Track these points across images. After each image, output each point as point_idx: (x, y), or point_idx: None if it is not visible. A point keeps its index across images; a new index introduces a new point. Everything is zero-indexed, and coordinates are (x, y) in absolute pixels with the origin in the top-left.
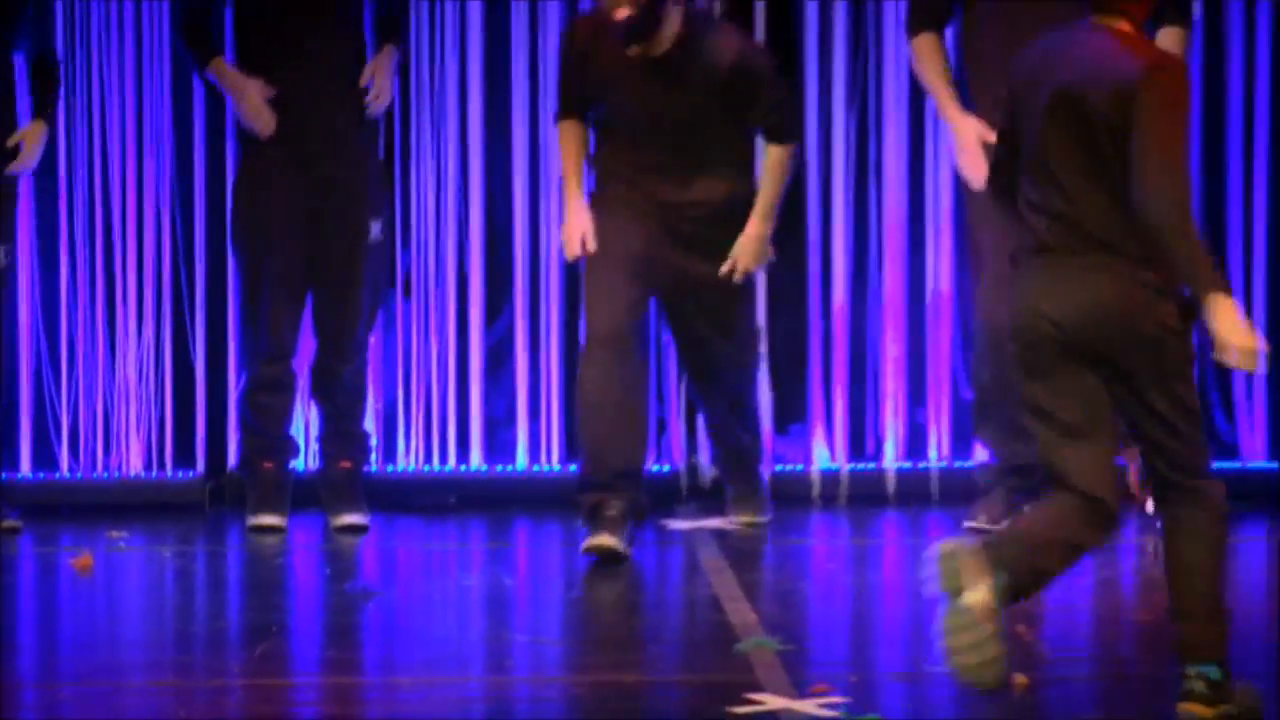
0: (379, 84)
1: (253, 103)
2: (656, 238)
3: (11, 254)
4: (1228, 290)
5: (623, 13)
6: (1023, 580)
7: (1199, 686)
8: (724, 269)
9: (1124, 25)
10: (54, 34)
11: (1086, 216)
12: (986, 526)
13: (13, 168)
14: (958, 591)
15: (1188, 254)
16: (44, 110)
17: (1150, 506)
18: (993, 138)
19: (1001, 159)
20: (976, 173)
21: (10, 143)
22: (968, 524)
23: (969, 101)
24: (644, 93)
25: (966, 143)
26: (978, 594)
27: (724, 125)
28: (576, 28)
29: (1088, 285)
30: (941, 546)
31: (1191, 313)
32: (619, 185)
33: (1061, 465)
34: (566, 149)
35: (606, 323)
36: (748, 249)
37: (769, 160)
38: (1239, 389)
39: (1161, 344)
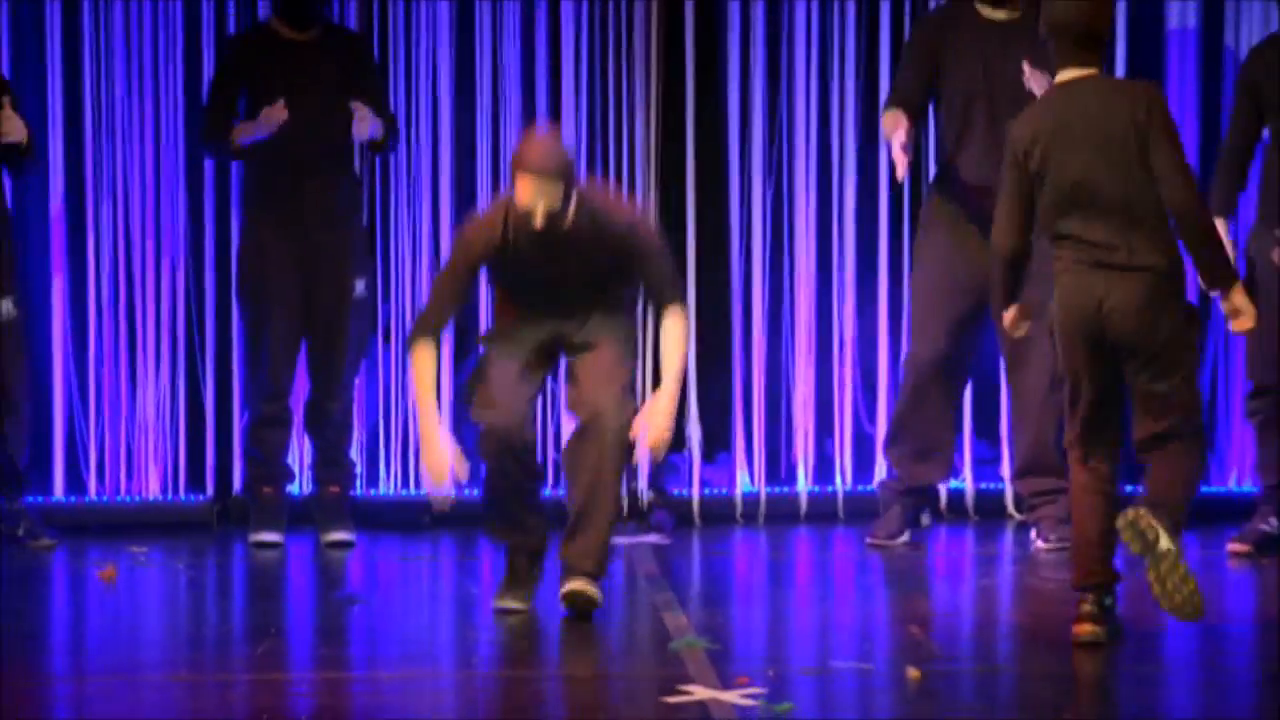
0: (365, 121)
1: (267, 116)
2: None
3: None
4: (1237, 274)
5: (541, 214)
6: (1179, 518)
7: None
8: (640, 450)
9: (1096, 71)
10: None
11: (1132, 238)
12: (884, 543)
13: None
14: (1150, 547)
15: (1216, 243)
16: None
17: (1034, 535)
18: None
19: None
20: (900, 166)
21: None
22: (869, 540)
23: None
24: (544, 260)
25: (897, 151)
26: (1165, 540)
27: (615, 287)
28: (480, 232)
29: (1135, 292)
30: (1120, 519)
31: (1195, 315)
32: (515, 321)
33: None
34: (421, 371)
35: (503, 420)
36: (659, 421)
37: (670, 331)
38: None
39: (1177, 333)
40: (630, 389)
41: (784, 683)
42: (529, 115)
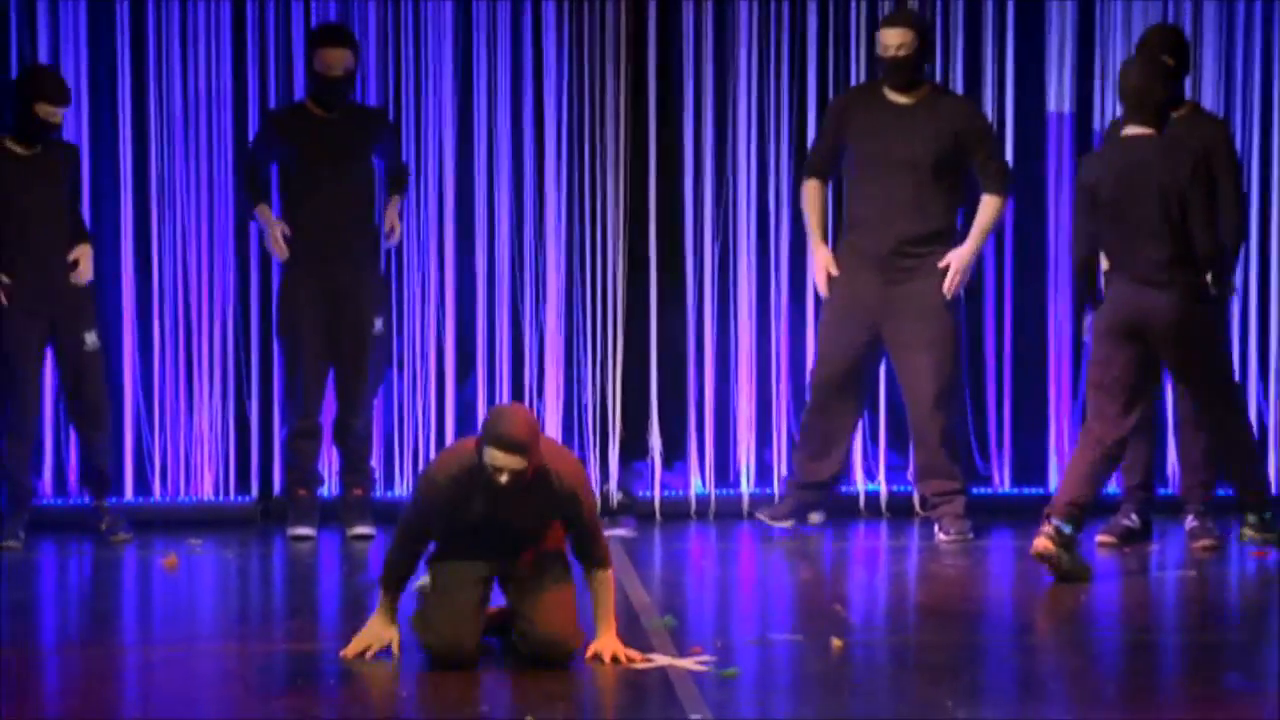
0: (393, 226)
1: (275, 238)
2: None
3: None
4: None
5: (507, 478)
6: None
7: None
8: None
9: (1153, 130)
10: None
11: (1175, 261)
12: (770, 520)
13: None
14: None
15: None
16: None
17: (937, 530)
18: (834, 271)
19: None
20: (821, 286)
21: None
22: (759, 515)
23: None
24: (494, 508)
25: (818, 268)
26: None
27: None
28: (449, 476)
29: (1177, 303)
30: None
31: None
32: (459, 552)
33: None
34: (387, 610)
35: (448, 647)
36: (611, 648)
37: (600, 590)
38: (991, 431)
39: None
40: (575, 610)
41: (730, 651)
42: (518, 176)
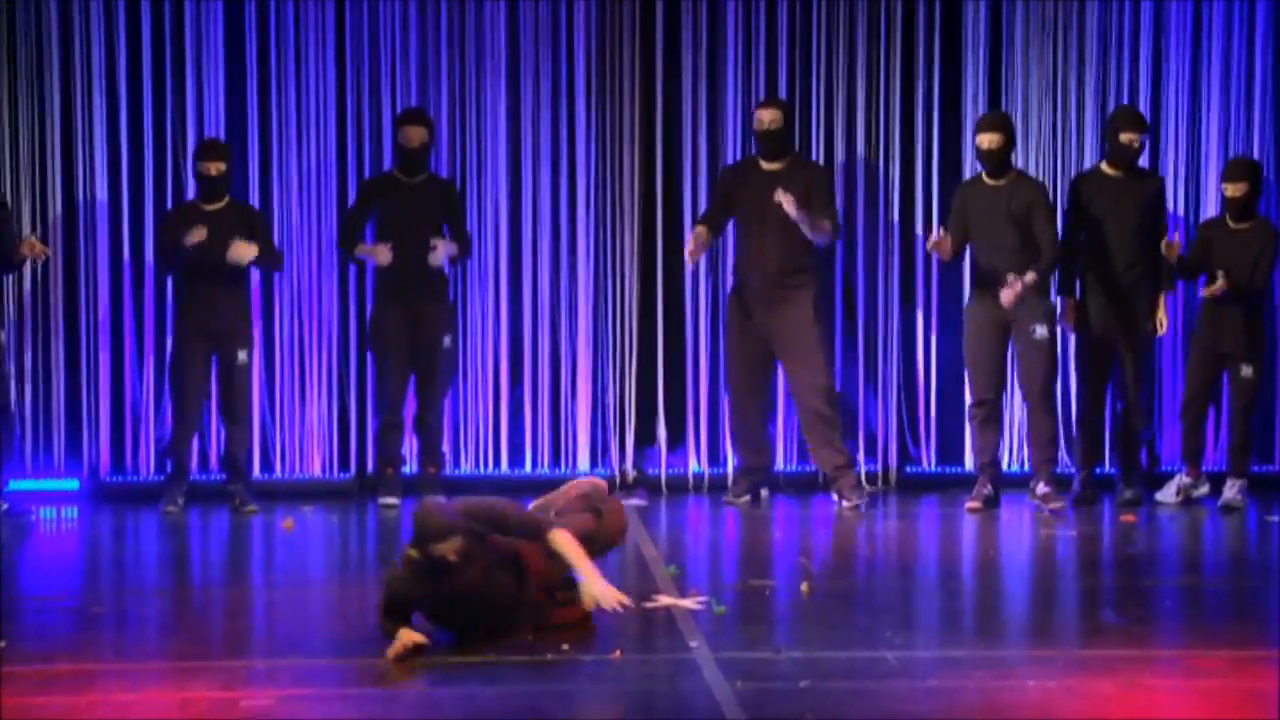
0: (439, 251)
1: (378, 252)
2: None
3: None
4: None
5: (452, 556)
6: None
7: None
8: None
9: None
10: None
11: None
12: (732, 500)
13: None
14: None
15: None
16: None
17: (837, 498)
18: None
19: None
20: (689, 256)
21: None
22: (726, 499)
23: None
24: (441, 594)
25: (690, 241)
26: None
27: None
28: (400, 581)
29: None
30: None
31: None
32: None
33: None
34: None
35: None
36: (600, 590)
37: (564, 548)
38: (920, 416)
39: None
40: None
41: (720, 593)
42: (555, 229)
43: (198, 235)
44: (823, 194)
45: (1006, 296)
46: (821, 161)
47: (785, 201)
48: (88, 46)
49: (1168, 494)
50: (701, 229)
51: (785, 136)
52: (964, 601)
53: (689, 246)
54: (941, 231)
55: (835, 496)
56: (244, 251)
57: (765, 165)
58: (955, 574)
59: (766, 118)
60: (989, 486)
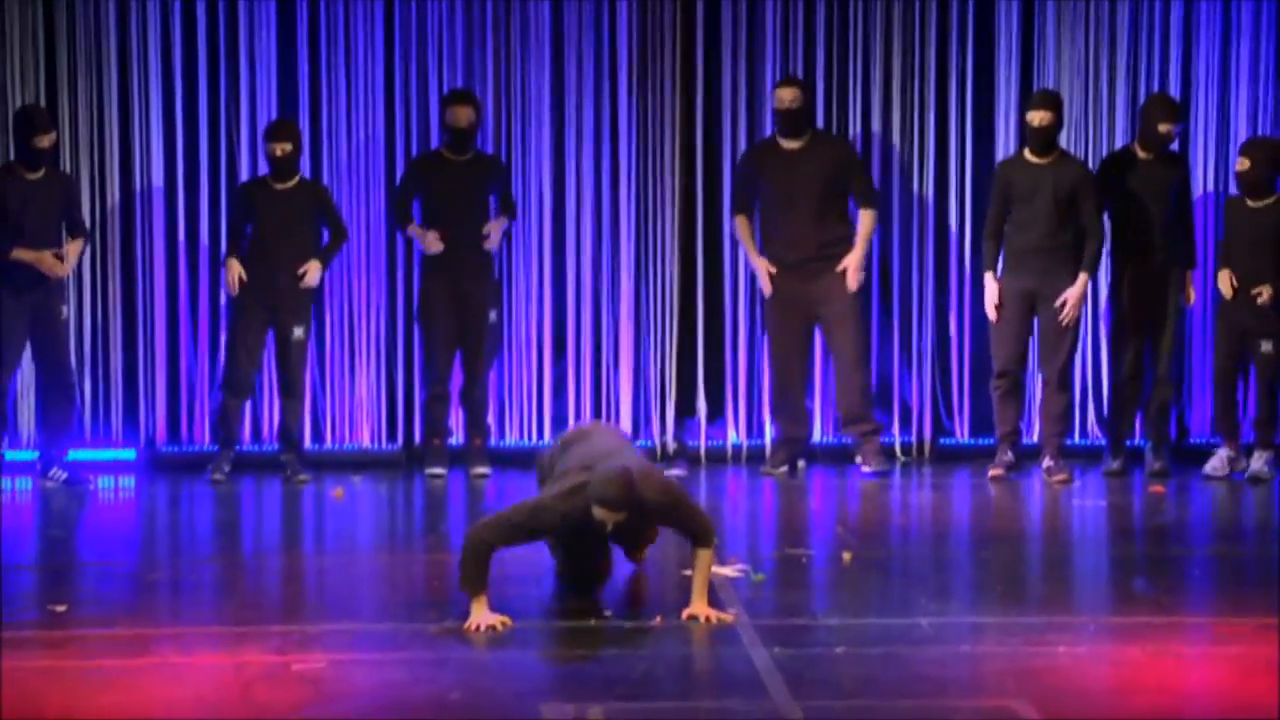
0: (491, 232)
1: (427, 240)
2: None
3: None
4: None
5: (611, 525)
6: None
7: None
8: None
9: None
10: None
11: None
12: (770, 470)
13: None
14: None
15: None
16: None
17: (860, 462)
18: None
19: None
20: (765, 288)
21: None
22: (764, 469)
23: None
24: (595, 537)
25: (761, 275)
26: None
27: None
28: (561, 515)
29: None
30: None
31: None
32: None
33: None
34: (478, 578)
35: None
36: (703, 608)
37: (700, 562)
38: (953, 388)
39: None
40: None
41: (759, 562)
42: (598, 204)
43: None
44: (857, 172)
45: (1069, 316)
46: (858, 140)
47: (852, 279)
48: (144, 33)
49: (1215, 467)
50: (743, 221)
51: (805, 114)
52: (996, 569)
53: (760, 277)
54: (990, 286)
55: (859, 460)
56: (314, 277)
57: (785, 144)
58: (988, 542)
59: (787, 96)
60: (1010, 454)
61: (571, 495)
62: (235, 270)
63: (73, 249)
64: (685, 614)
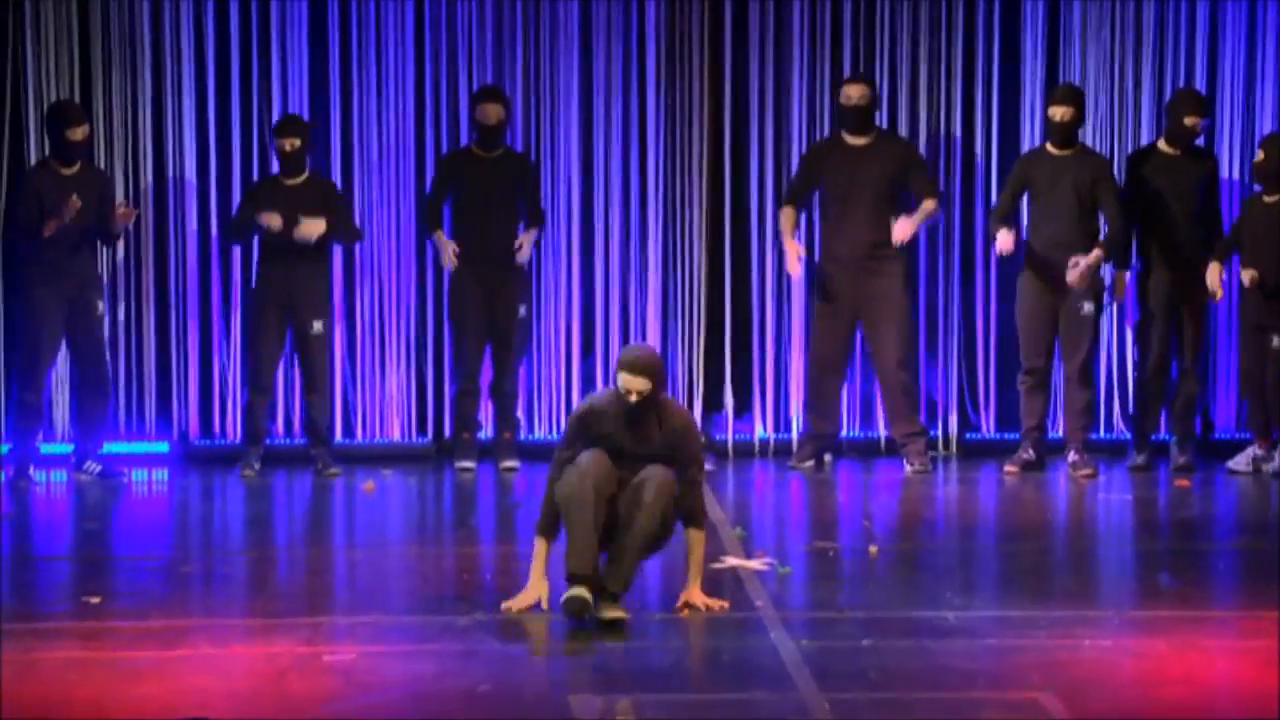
0: (522, 246)
1: (448, 256)
2: None
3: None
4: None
5: (635, 396)
6: None
7: None
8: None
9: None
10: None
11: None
12: (797, 465)
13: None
14: None
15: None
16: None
17: (905, 463)
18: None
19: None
20: (793, 270)
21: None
22: (790, 464)
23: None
24: (625, 438)
25: (790, 257)
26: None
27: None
28: (589, 403)
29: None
30: None
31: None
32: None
33: None
34: (540, 555)
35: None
36: (696, 598)
37: (694, 547)
38: (980, 383)
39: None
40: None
41: (785, 555)
42: (626, 201)
43: (271, 220)
44: (921, 172)
45: (1073, 277)
46: None
47: (900, 230)
48: (177, 30)
49: (1240, 462)
50: (789, 211)
51: (871, 113)
52: (1021, 563)
53: (788, 257)
54: (1002, 235)
55: (905, 460)
56: (311, 228)
57: (851, 140)
58: (1013, 537)
59: (855, 94)
60: (1030, 451)
61: (598, 393)
62: (273, 218)
63: (122, 217)
64: (679, 601)
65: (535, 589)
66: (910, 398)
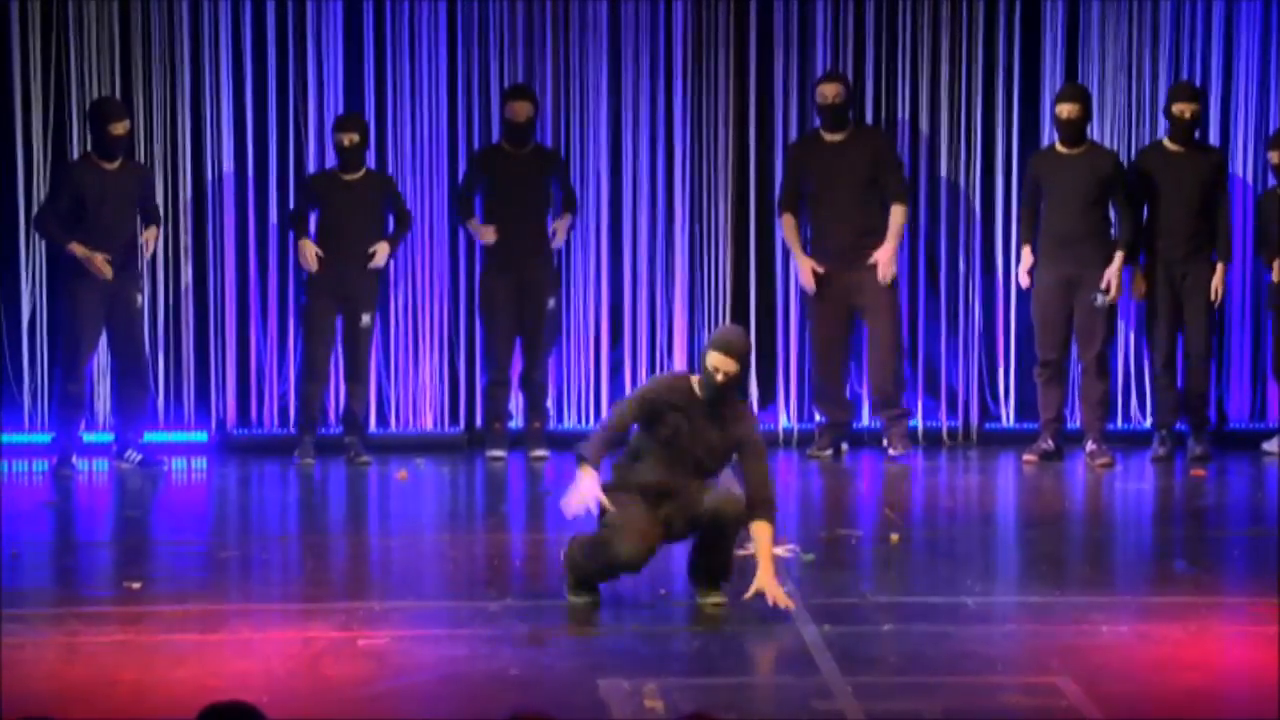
0: (557, 231)
1: (485, 235)
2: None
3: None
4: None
5: (722, 376)
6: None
7: None
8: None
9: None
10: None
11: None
12: (815, 454)
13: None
14: None
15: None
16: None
17: (886, 444)
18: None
19: None
20: (808, 285)
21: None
22: (809, 452)
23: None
24: (691, 429)
25: (804, 272)
26: None
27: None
28: (667, 385)
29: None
30: None
31: None
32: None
33: None
34: (587, 480)
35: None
36: (769, 583)
37: (761, 537)
38: (999, 374)
39: None
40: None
41: (809, 543)
42: (654, 196)
43: (312, 256)
44: (892, 169)
45: (1113, 297)
46: (906, 132)
47: (883, 273)
48: (215, 28)
49: (1273, 444)
50: (790, 220)
51: (847, 109)
52: (1040, 550)
53: (802, 273)
54: (1026, 256)
55: (885, 443)
56: (382, 257)
57: (829, 137)
58: (1032, 524)
59: (830, 92)
60: (1049, 442)
61: (677, 375)
62: (310, 249)
63: (150, 236)
64: (751, 590)
65: (590, 484)
66: (896, 381)
